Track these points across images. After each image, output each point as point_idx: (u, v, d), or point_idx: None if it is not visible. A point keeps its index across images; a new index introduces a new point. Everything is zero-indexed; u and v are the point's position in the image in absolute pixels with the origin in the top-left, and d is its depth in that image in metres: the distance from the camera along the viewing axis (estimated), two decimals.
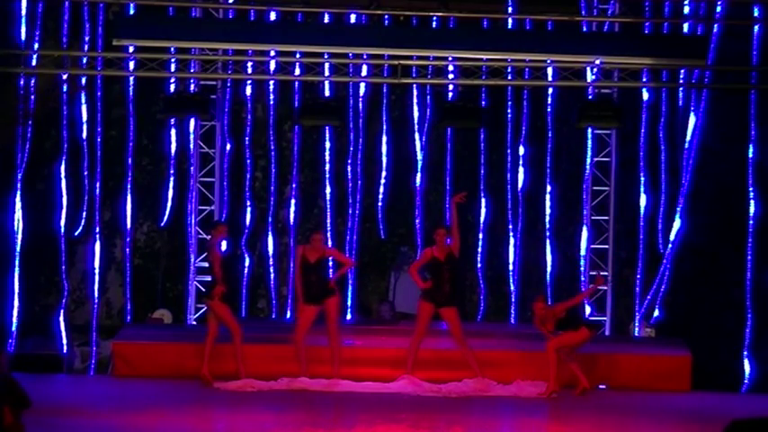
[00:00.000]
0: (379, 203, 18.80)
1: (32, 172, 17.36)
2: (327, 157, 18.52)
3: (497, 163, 18.79)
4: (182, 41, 16.78)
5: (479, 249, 18.56)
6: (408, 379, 15.03)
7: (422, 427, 12.69)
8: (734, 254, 17.03)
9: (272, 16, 17.45)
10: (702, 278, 17.53)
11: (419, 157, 18.71)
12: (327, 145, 18.51)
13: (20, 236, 16.96)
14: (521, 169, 18.46)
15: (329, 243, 17.92)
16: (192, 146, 18.24)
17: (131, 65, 17.00)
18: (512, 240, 18.53)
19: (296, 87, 18.15)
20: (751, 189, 16.96)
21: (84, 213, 17.63)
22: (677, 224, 17.68)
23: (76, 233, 17.74)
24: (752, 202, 16.96)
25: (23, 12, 16.93)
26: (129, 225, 17.86)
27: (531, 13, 17.16)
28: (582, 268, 17.94)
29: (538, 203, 18.50)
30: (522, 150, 18.47)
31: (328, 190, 18.58)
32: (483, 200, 18.62)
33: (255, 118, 18.66)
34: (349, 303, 18.47)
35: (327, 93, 17.90)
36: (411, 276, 15.49)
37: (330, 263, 16.55)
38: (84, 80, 17.34)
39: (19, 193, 16.99)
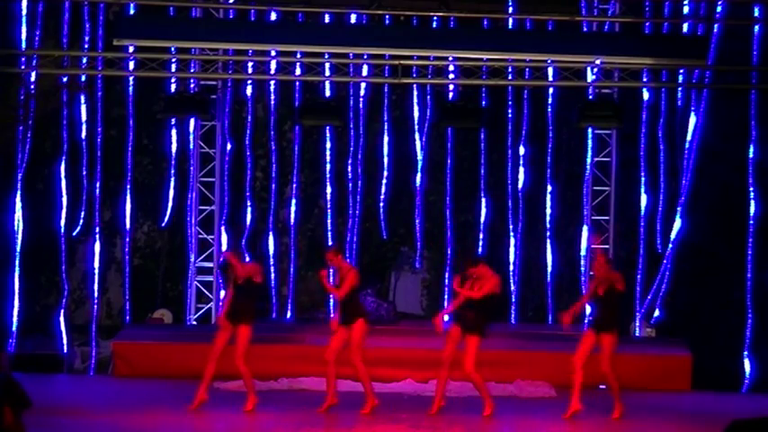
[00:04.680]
0: (380, 203, 18.80)
1: (32, 172, 17.35)
2: (328, 157, 18.52)
3: (497, 163, 18.79)
4: (182, 41, 16.78)
5: (479, 249, 18.54)
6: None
7: (422, 426, 12.70)
8: (734, 254, 17.03)
9: (273, 16, 17.46)
10: (702, 278, 17.54)
11: (419, 157, 18.71)
12: (328, 145, 18.51)
13: (20, 236, 16.96)
14: (521, 169, 18.46)
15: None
16: (192, 146, 18.25)
17: (131, 65, 17.00)
18: (512, 240, 18.53)
19: (296, 87, 18.15)
20: (751, 189, 16.96)
21: (84, 213, 17.64)
22: (677, 224, 17.68)
23: (76, 233, 17.74)
24: (752, 202, 16.97)
25: (23, 12, 16.94)
26: (128, 225, 17.86)
27: (531, 13, 17.16)
28: (582, 268, 17.93)
29: (538, 203, 18.49)
30: (522, 150, 18.46)
31: (329, 190, 18.58)
32: (483, 200, 18.62)
33: (256, 118, 18.65)
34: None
35: (328, 93, 17.90)
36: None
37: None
38: (83, 79, 17.34)
39: (19, 193, 16.99)
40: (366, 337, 13.24)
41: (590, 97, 17.68)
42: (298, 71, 17.25)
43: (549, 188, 18.35)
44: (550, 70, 17.21)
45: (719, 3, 16.93)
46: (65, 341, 16.90)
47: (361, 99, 18.54)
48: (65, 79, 17.25)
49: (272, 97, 18.45)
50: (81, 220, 17.63)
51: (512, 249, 18.52)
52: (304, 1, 17.01)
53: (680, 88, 17.64)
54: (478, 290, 13.13)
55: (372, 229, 18.96)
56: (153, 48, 16.74)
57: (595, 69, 17.03)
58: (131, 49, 16.74)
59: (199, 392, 13.23)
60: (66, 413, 12.92)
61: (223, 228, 18.23)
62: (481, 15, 17.42)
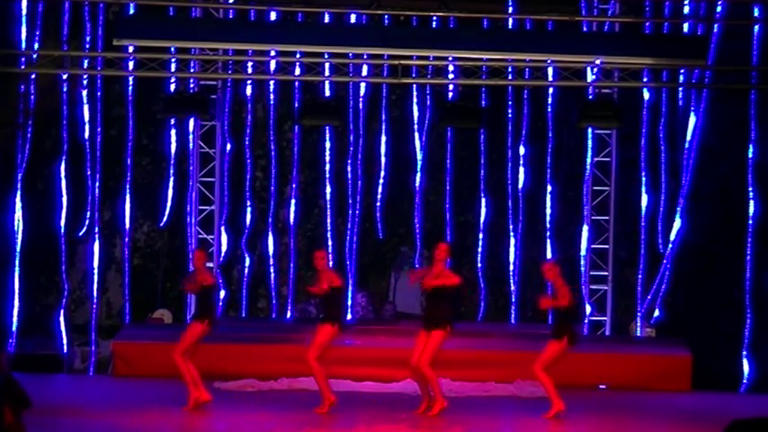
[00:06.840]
0: (379, 203, 18.80)
1: (32, 172, 17.37)
2: (327, 157, 18.52)
3: (497, 163, 18.79)
4: (182, 41, 16.78)
5: (479, 249, 18.55)
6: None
7: (422, 426, 12.70)
8: (734, 254, 17.03)
9: (272, 16, 17.46)
10: (702, 278, 17.54)
11: (419, 156, 18.71)
12: (327, 145, 18.51)
13: (20, 236, 16.97)
14: (521, 169, 18.46)
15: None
16: (191, 146, 18.25)
17: (131, 65, 17.01)
18: (512, 240, 18.53)
19: (296, 87, 18.16)
20: (751, 189, 16.97)
21: (86, 213, 17.63)
22: (677, 224, 17.68)
23: (77, 233, 17.74)
24: (752, 202, 16.97)
25: (23, 12, 16.94)
26: (128, 225, 17.86)
27: (531, 13, 17.15)
28: (582, 268, 17.93)
29: (538, 203, 18.49)
30: (522, 150, 18.46)
31: (328, 190, 18.58)
32: (483, 200, 18.61)
33: (255, 118, 18.66)
34: (350, 303, 18.44)
35: (327, 93, 17.90)
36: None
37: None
38: (85, 79, 17.35)
39: (19, 193, 17.00)
40: (329, 342, 13.22)
41: (590, 97, 17.68)
42: (297, 71, 17.26)
43: (549, 188, 18.34)
44: (550, 70, 17.21)
45: (719, 3, 16.93)
46: (65, 341, 16.92)
47: (360, 99, 18.54)
48: (65, 76, 17.27)
49: (272, 97, 18.46)
50: (86, 220, 17.63)
51: (512, 249, 18.51)
52: (304, 1, 17.01)
53: (680, 88, 17.64)
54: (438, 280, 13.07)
55: (372, 229, 18.97)
56: (153, 48, 16.74)
57: (595, 69, 17.03)
58: (131, 49, 16.74)
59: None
60: (66, 413, 12.93)
61: (223, 228, 18.24)
62: (481, 15, 17.41)
